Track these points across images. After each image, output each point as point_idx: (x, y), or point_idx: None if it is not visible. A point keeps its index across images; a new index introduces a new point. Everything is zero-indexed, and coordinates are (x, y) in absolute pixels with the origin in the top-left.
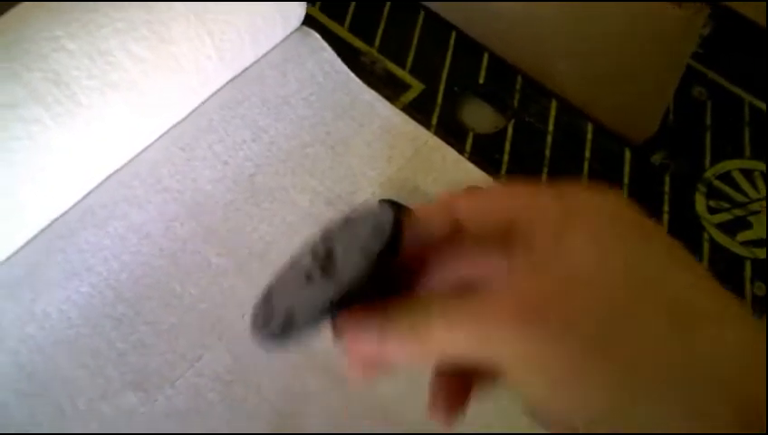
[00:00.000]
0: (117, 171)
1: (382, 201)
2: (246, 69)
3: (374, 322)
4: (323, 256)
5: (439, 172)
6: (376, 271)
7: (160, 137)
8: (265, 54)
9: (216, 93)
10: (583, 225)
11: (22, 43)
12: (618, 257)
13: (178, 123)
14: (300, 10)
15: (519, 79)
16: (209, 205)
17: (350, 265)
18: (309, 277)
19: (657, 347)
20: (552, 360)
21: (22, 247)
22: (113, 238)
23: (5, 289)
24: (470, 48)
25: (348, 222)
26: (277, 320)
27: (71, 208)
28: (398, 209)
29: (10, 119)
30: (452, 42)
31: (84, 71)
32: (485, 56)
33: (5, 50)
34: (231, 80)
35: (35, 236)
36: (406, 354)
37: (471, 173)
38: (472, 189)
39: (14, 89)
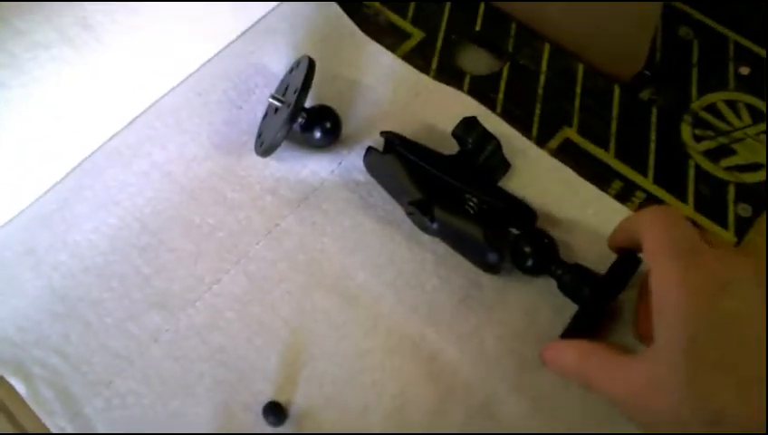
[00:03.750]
0: (141, 114)
1: (304, 56)
2: (257, 22)
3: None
4: (282, 95)
5: (438, 108)
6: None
7: (180, 83)
8: (274, 9)
9: (231, 44)
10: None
11: None
12: None
13: (196, 71)
14: None
15: (513, 26)
16: (224, 146)
17: (294, 97)
18: (275, 110)
19: None
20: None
21: (55, 184)
22: (138, 176)
23: (41, 220)
24: None
25: (291, 72)
26: (258, 142)
27: (99, 148)
28: (311, 60)
29: (44, 58)
30: None
31: (109, 15)
32: (481, 6)
33: None
34: (245, 31)
35: (67, 174)
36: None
37: (468, 106)
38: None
39: (46, 31)
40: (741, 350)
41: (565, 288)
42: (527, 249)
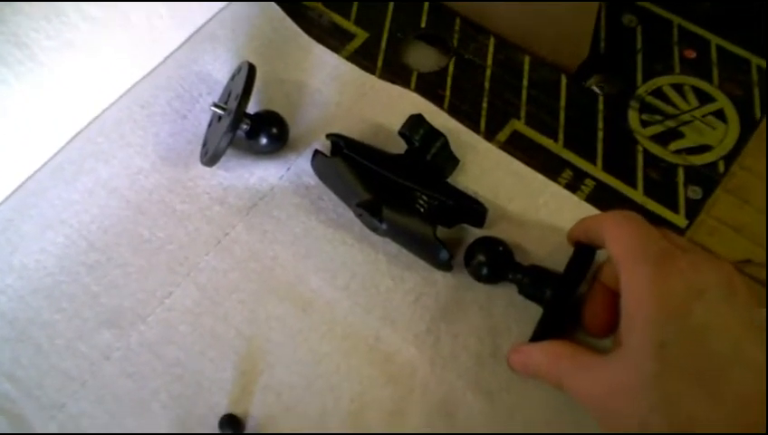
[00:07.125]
0: (83, 129)
1: (244, 62)
2: (198, 29)
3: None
4: (224, 103)
5: (385, 107)
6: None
7: (122, 96)
8: (215, 15)
9: (171, 54)
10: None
11: None
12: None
13: (137, 82)
14: None
15: (458, 21)
16: (171, 157)
17: (234, 104)
18: (219, 118)
19: None
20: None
21: None
22: (82, 193)
23: None
24: None
25: (233, 79)
26: (203, 151)
27: (42, 166)
28: (250, 65)
29: None
30: None
31: (42, 32)
32: (426, 3)
33: None
34: (185, 40)
35: (10, 195)
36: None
37: (415, 103)
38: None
39: None
40: (712, 359)
41: (526, 292)
42: (482, 259)
